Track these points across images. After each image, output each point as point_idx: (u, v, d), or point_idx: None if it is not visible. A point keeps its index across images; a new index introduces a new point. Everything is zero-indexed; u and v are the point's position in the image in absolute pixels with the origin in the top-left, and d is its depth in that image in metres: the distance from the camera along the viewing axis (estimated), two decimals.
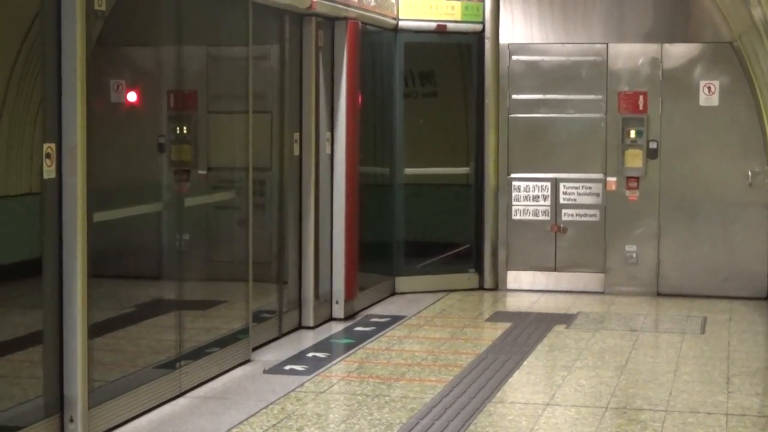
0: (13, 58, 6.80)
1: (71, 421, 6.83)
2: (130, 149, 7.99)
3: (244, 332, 9.15)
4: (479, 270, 13.04)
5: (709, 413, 7.72)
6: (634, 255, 12.58)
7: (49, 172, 6.73)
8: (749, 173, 12.16)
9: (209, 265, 8.88)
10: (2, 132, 6.72)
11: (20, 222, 6.86)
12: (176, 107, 8.24)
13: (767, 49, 7.62)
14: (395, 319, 11.12)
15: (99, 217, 7.03)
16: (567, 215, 12.78)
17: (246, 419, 7.43)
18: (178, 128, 8.28)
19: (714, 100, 12.32)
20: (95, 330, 7.03)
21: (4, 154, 6.74)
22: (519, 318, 11.25)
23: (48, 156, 6.73)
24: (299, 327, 10.55)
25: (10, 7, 6.76)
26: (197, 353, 8.43)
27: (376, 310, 11.67)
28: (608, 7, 12.83)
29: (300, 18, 10.30)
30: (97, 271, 7.01)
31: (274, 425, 7.33)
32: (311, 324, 10.63)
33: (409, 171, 12.70)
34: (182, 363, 8.14)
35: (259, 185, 9.71)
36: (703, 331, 10.62)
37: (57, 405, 6.81)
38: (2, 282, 6.73)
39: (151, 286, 8.17)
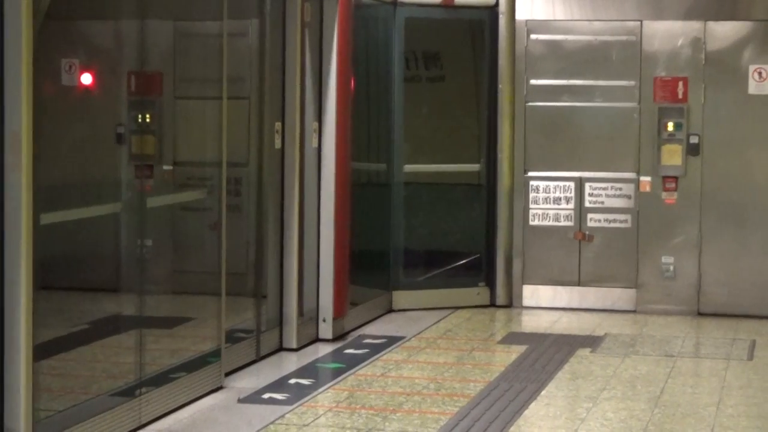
0: None
1: None
2: (85, 140, 7.97)
3: (215, 354, 9.16)
4: (491, 284, 13.07)
5: None
6: (672, 268, 12.61)
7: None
8: None
9: (175, 277, 8.90)
10: None
11: None
12: (138, 91, 8.25)
13: None
14: (392, 341, 11.15)
15: (47, 219, 7.01)
16: (593, 221, 12.82)
17: None
18: (140, 116, 8.28)
19: (766, 88, 12.35)
20: (42, 351, 7.02)
21: None
22: (536, 340, 11.29)
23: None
24: (280, 349, 10.58)
25: None
26: (161, 379, 8.41)
27: (370, 329, 11.71)
28: None
29: None
30: (44, 282, 7.01)
31: None
32: (294, 345, 10.66)
33: (409, 168, 12.76)
34: (143, 390, 8.12)
35: (235, 183, 9.74)
36: (751, 357, 10.65)
37: None
38: None
39: (107, 300, 8.17)
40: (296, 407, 8.69)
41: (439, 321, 12.17)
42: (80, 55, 7.74)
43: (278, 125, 10.51)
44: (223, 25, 9.24)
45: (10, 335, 6.86)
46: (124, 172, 8.23)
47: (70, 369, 7.59)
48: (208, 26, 9.23)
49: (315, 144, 10.97)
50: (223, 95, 9.31)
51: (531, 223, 12.92)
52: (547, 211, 12.89)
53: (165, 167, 8.74)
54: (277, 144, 10.51)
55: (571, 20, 13.00)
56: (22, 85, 6.77)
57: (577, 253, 12.85)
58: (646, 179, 12.63)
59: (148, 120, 8.34)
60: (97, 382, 7.79)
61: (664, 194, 12.60)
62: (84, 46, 7.94)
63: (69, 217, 7.49)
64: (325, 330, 11.04)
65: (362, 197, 11.70)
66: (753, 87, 12.35)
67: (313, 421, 8.38)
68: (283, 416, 8.42)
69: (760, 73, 12.31)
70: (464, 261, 13.37)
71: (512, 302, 12.98)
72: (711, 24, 12.49)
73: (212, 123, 9.31)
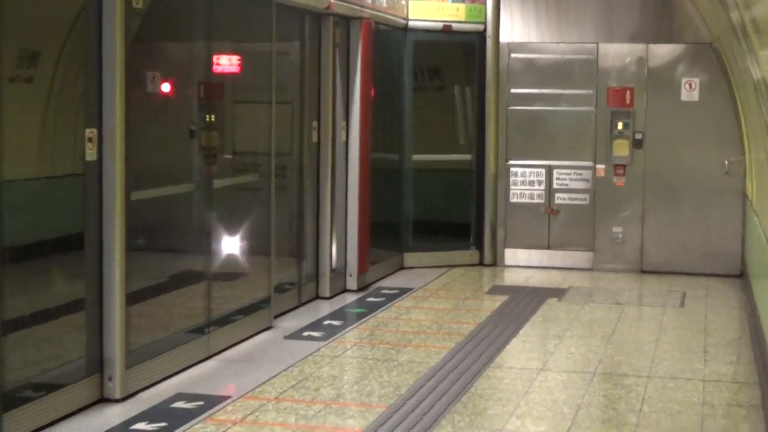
0: (59, 51, 6.81)
1: (110, 380, 6.87)
2: (165, 134, 7.99)
3: (266, 301, 9.18)
4: (479, 247, 13.01)
5: (688, 379, 7.73)
6: (620, 235, 12.57)
7: (90, 155, 6.76)
8: (726, 162, 12.13)
9: (235, 240, 8.88)
10: (49, 118, 6.74)
11: (64, 200, 6.87)
12: (206, 97, 8.23)
13: (744, 50, 7.58)
14: (403, 291, 11.12)
15: (136, 196, 7.05)
16: (560, 199, 12.76)
17: (268, 380, 7.46)
18: (207, 116, 8.26)
19: (694, 96, 12.29)
20: (132, 298, 7.06)
21: (52, 138, 6.76)
22: (515, 291, 11.26)
23: (90, 140, 6.74)
24: (316, 297, 10.57)
25: (57, 4, 6.78)
26: (224, 320, 8.45)
27: (386, 282, 11.68)
28: (598, 9, 12.82)
29: (319, 17, 10.29)
30: (134, 245, 7.05)
31: (293, 386, 7.34)
32: (327, 295, 10.65)
33: (416, 157, 12.69)
34: (211, 328, 8.16)
35: (281, 169, 9.71)
36: (682, 305, 10.62)
37: (97, 365, 6.85)
38: (48, 254, 6.76)
39: (182, 259, 8.19)
40: (329, 342, 8.69)
41: (439, 276, 12.15)
42: (161, 68, 7.74)
43: (315, 124, 10.48)
44: (272, 45, 9.24)
45: (108, 286, 6.89)
46: (195, 159, 8.22)
47: (154, 312, 7.62)
48: (260, 46, 9.20)
49: (343, 138, 10.94)
50: (272, 100, 9.30)
51: (511, 200, 12.86)
52: (523, 191, 12.83)
53: (226, 156, 8.72)
54: (314, 138, 10.48)
55: (543, 43, 12.93)
56: (116, 91, 6.79)
57: (547, 224, 12.80)
58: (600, 166, 12.57)
59: (213, 119, 8.32)
60: (174, 323, 7.81)
61: (614, 178, 12.54)
62: (164, 61, 7.94)
63: (152, 195, 7.50)
64: (351, 283, 11.03)
65: (380, 180, 11.65)
66: (684, 95, 12.28)
67: (342, 354, 8.38)
68: (318, 350, 8.42)
69: (690, 85, 12.25)
70: (459, 229, 13.33)
71: (496, 262, 12.93)
72: (652, 46, 12.43)
73: (263, 122, 9.29)
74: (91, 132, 6.74)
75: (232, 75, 8.68)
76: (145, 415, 6.60)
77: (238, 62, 8.81)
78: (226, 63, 8.57)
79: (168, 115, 8.03)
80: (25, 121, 6.46)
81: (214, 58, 8.34)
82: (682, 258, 12.41)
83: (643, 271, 12.52)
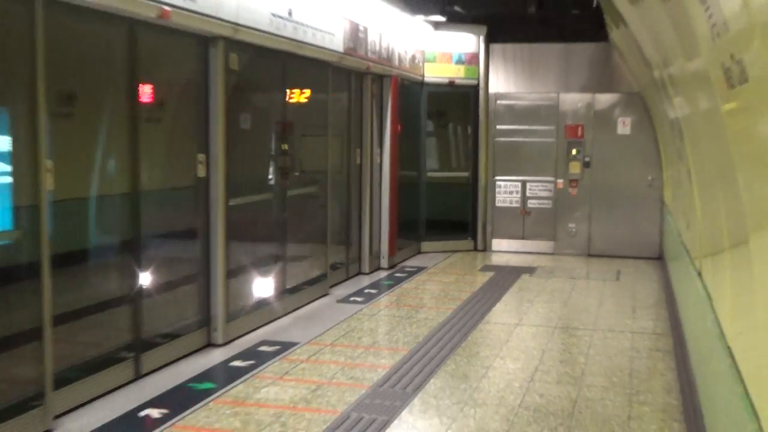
0: (178, 99, 6.91)
1: (214, 330, 6.98)
2: (252, 159, 8.04)
3: (324, 276, 9.23)
4: (474, 238, 12.98)
5: (621, 332, 7.74)
6: (574, 229, 12.54)
7: (201, 172, 6.86)
8: (649, 178, 12.09)
9: (302, 233, 8.95)
10: (174, 147, 6.84)
11: (184, 204, 6.97)
12: (281, 132, 8.29)
13: (662, 97, 7.59)
14: (420, 269, 11.13)
15: (232, 202, 7.13)
16: (531, 203, 12.72)
17: (324, 332, 7.52)
18: (282, 145, 8.31)
19: (627, 131, 12.23)
20: (230, 273, 7.15)
21: (177, 160, 6.86)
22: (499, 269, 11.25)
23: (201, 162, 6.84)
24: (359, 273, 10.59)
25: (181, 67, 6.87)
26: (296, 289, 8.51)
27: (408, 263, 11.68)
28: (559, 69, 12.85)
29: (361, 75, 10.34)
30: (231, 236, 7.13)
31: (342, 335, 7.40)
32: (366, 271, 10.68)
33: (429, 174, 12.68)
34: (286, 294, 8.24)
35: (334, 182, 9.77)
36: (617, 279, 10.59)
37: (206, 320, 6.96)
38: (172, 243, 6.86)
39: (265, 247, 8.24)
40: (368, 305, 8.73)
41: (445, 258, 12.15)
42: (250, 111, 7.80)
43: (358, 150, 10.52)
44: (328, 95, 9.29)
45: (213, 264, 7.00)
46: (274, 176, 8.28)
47: (245, 283, 7.67)
48: (320, 95, 9.22)
49: (378, 161, 10.95)
50: (328, 134, 9.37)
51: (496, 204, 12.81)
52: (505, 198, 12.80)
53: (295, 173, 8.76)
54: (357, 161, 10.52)
55: (519, 92, 12.91)
56: (218, 128, 6.89)
57: (522, 222, 12.77)
58: (560, 181, 12.52)
59: (286, 148, 8.37)
60: (260, 291, 7.86)
61: (570, 189, 12.50)
62: (252, 106, 7.99)
63: (244, 201, 7.56)
64: (383, 263, 11.03)
65: (403, 190, 11.66)
66: (620, 130, 12.23)
67: (377, 313, 8.42)
68: (360, 310, 8.47)
69: (623, 122, 12.20)
70: (459, 225, 13.34)
71: (486, 248, 12.90)
72: (597, 95, 12.37)
73: (321, 149, 9.33)
74: (202, 156, 6.84)
75: (299, 116, 8.75)
76: (239, 356, 6.70)
77: (305, 107, 8.88)
78: (296, 108, 8.64)
79: (255, 145, 8.08)
80: (155, 149, 6.57)
81: (287, 104, 8.41)
82: (617, 246, 12.37)
83: (589, 255, 12.48)
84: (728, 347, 3.67)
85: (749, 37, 2.00)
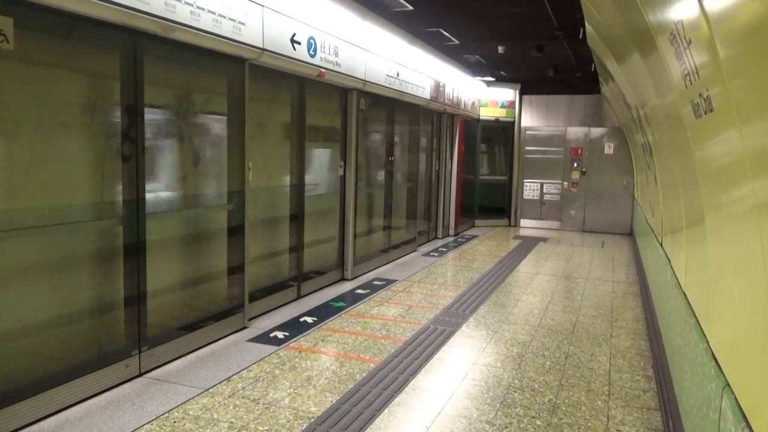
0: (328, 125, 6.89)
1: (346, 270, 6.98)
2: (372, 165, 7.94)
3: (414, 239, 9.11)
4: (509, 218, 12.68)
5: (605, 280, 7.39)
6: (574, 214, 12.08)
7: (341, 172, 6.84)
8: (624, 182, 11.56)
9: (401, 211, 8.90)
10: (324, 158, 6.85)
11: (333, 193, 7.00)
12: (389, 150, 8.21)
13: (637, 129, 7.19)
14: (473, 237, 10.91)
15: (360, 191, 7.10)
16: (546, 197, 12.31)
17: (413, 273, 7.42)
18: (390, 157, 8.24)
19: (611, 151, 11.69)
20: (357, 235, 7.13)
21: (331, 168, 6.87)
22: (525, 239, 10.93)
23: (341, 166, 6.83)
24: (435, 238, 10.44)
25: (329, 107, 6.85)
26: (396, 246, 8.41)
27: (467, 233, 11.46)
28: (566, 110, 12.26)
29: (440, 114, 10.17)
30: (358, 212, 7.09)
31: (425, 276, 7.29)
32: (440, 237, 10.52)
33: (482, 177, 12.42)
34: (390, 250, 8.17)
35: (422, 181, 9.66)
36: (602, 247, 10.14)
37: (341, 263, 6.95)
38: (323, 215, 6.86)
39: (377, 220, 8.14)
40: (440, 258, 8.59)
41: (490, 230, 11.87)
42: (371, 136, 7.73)
43: (437, 161, 10.39)
44: (419, 126, 9.16)
45: (347, 229, 6.95)
46: (384, 176, 8.16)
47: (366, 242, 7.61)
48: (415, 126, 9.09)
49: (449, 168, 10.80)
50: (419, 151, 9.25)
51: (524, 197, 12.47)
52: (529, 193, 12.41)
53: (398, 174, 8.67)
54: (437, 167, 10.38)
55: (540, 126, 12.45)
56: (352, 145, 6.83)
57: (540, 208, 12.39)
58: (565, 183, 12.10)
59: (392, 159, 8.27)
60: (373, 246, 7.78)
61: (572, 188, 12.06)
62: (372, 132, 7.90)
63: (367, 191, 7.52)
64: (451, 232, 10.84)
65: (465, 187, 11.48)
66: (606, 151, 11.69)
67: (447, 263, 8.26)
68: (436, 261, 8.33)
69: (609, 146, 11.66)
70: (500, 210, 13.04)
71: (516, 225, 12.57)
72: (592, 128, 11.85)
73: (414, 162, 9.22)
74: (341, 162, 6.84)
75: (401, 139, 8.68)
76: (361, 287, 6.65)
77: (404, 133, 8.79)
78: (398, 133, 8.58)
79: (373, 156, 7.96)
80: (314, 157, 6.56)
81: (393, 131, 8.33)
82: (603, 225, 11.87)
83: (584, 231, 12.00)
84: (683, 292, 3.40)
85: (717, 80, 1.79)
